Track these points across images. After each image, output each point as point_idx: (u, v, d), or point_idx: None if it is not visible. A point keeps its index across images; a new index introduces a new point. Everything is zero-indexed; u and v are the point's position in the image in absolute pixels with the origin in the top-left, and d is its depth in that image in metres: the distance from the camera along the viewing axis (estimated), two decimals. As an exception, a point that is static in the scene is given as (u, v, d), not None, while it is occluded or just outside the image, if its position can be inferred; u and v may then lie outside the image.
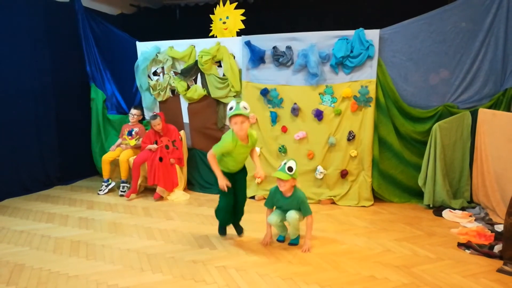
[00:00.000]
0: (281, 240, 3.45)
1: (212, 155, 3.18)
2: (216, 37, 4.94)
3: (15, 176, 4.86)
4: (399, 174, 4.43)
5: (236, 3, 4.86)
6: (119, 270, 2.96)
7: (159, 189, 4.71)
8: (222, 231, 3.58)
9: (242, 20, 4.84)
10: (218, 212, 3.47)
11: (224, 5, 4.88)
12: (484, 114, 4.00)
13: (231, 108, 3.04)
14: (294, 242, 3.37)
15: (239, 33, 4.79)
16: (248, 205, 4.49)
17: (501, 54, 3.97)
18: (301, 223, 3.32)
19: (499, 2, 3.90)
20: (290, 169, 3.11)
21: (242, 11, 4.83)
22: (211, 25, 5.00)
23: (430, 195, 4.15)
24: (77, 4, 5.24)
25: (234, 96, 4.78)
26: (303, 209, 3.21)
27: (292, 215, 3.20)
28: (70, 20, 5.31)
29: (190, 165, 5.17)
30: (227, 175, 3.23)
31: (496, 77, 4.04)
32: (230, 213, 3.42)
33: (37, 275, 2.89)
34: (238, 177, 3.34)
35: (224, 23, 4.87)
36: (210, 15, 4.98)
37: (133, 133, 5.11)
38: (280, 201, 3.28)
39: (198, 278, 2.81)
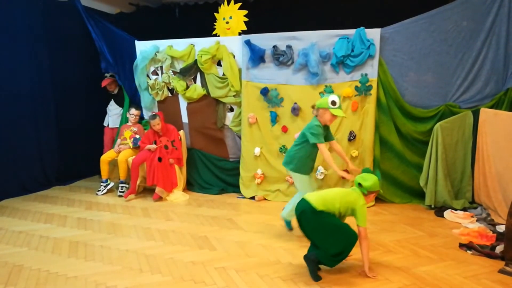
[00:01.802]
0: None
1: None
2: (219, 36, 4.91)
3: (14, 176, 4.83)
4: (400, 175, 4.40)
5: (240, 3, 4.82)
6: (118, 271, 2.93)
7: (158, 190, 4.68)
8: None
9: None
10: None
11: (228, 4, 4.85)
12: (486, 113, 3.98)
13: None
14: None
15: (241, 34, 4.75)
16: (248, 206, 4.51)
17: (503, 53, 3.95)
18: None
19: (500, 1, 3.88)
20: (333, 103, 3.16)
21: (245, 12, 4.79)
22: (215, 23, 4.97)
23: (431, 195, 4.13)
24: (79, 4, 5.21)
25: (233, 96, 4.75)
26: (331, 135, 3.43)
27: None
28: (69, 19, 5.29)
29: (190, 165, 5.14)
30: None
31: (497, 77, 4.01)
32: None
33: (36, 276, 2.87)
34: None
35: (227, 23, 4.84)
36: (215, 14, 4.95)
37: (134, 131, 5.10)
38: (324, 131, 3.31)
39: (197, 279, 2.79)
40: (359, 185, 2.80)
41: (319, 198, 2.78)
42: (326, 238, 2.72)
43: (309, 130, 3.21)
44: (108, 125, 5.62)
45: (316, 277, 2.76)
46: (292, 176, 3.44)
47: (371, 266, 2.86)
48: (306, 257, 2.82)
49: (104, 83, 5.39)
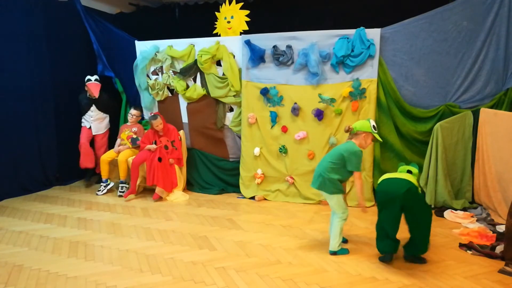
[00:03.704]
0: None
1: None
2: (219, 35, 4.91)
3: (14, 176, 4.83)
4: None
5: (242, 3, 4.82)
6: (118, 271, 2.94)
7: (158, 190, 4.68)
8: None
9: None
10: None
11: (230, 4, 4.86)
12: (485, 113, 3.98)
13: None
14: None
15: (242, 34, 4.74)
16: (249, 206, 4.51)
17: (503, 53, 3.95)
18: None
19: (500, 1, 3.88)
20: (375, 127, 3.16)
21: (247, 12, 4.79)
22: (215, 23, 4.97)
23: (431, 195, 4.13)
24: (78, 4, 5.21)
25: (234, 96, 4.75)
26: None
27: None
28: (69, 19, 5.29)
29: (190, 165, 5.15)
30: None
31: (497, 77, 4.01)
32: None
33: (36, 276, 2.87)
34: None
35: (228, 22, 4.84)
36: (216, 13, 4.96)
37: (133, 132, 5.09)
38: None
39: (197, 279, 2.79)
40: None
41: (410, 177, 2.95)
42: (428, 217, 2.94)
43: (352, 155, 2.98)
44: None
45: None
46: (327, 198, 3.18)
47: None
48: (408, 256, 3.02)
49: (97, 89, 5.08)
